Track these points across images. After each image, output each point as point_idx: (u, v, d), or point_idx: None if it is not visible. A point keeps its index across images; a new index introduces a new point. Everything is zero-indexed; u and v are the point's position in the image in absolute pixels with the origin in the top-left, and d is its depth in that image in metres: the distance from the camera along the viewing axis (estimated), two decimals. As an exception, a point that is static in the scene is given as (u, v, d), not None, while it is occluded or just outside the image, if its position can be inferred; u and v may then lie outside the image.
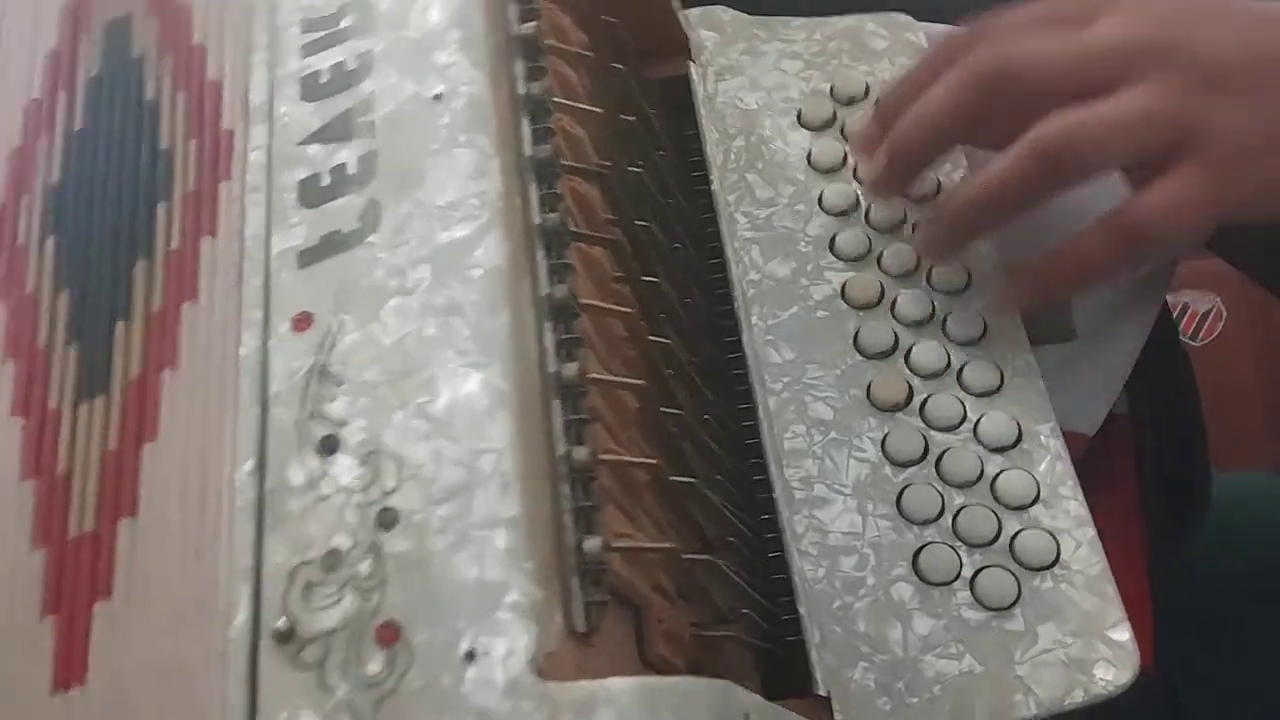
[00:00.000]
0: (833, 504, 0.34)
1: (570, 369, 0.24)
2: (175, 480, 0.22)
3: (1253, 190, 0.34)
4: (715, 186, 0.39)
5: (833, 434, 0.35)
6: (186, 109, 0.26)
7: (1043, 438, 0.35)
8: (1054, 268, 0.34)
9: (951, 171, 0.39)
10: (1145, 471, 0.41)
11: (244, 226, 0.24)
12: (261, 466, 0.21)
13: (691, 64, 0.42)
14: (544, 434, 0.22)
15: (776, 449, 0.35)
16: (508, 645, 0.19)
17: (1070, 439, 0.40)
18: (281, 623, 0.20)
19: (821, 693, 0.31)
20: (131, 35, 0.28)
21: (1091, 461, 0.40)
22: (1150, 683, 0.39)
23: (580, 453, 0.23)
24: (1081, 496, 0.34)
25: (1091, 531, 0.33)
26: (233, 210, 0.24)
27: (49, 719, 0.20)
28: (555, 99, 0.28)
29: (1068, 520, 0.34)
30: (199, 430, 0.22)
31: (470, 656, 0.19)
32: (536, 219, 0.25)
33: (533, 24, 0.28)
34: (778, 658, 0.32)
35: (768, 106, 0.42)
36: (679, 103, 0.42)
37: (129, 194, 0.26)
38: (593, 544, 0.22)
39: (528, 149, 0.26)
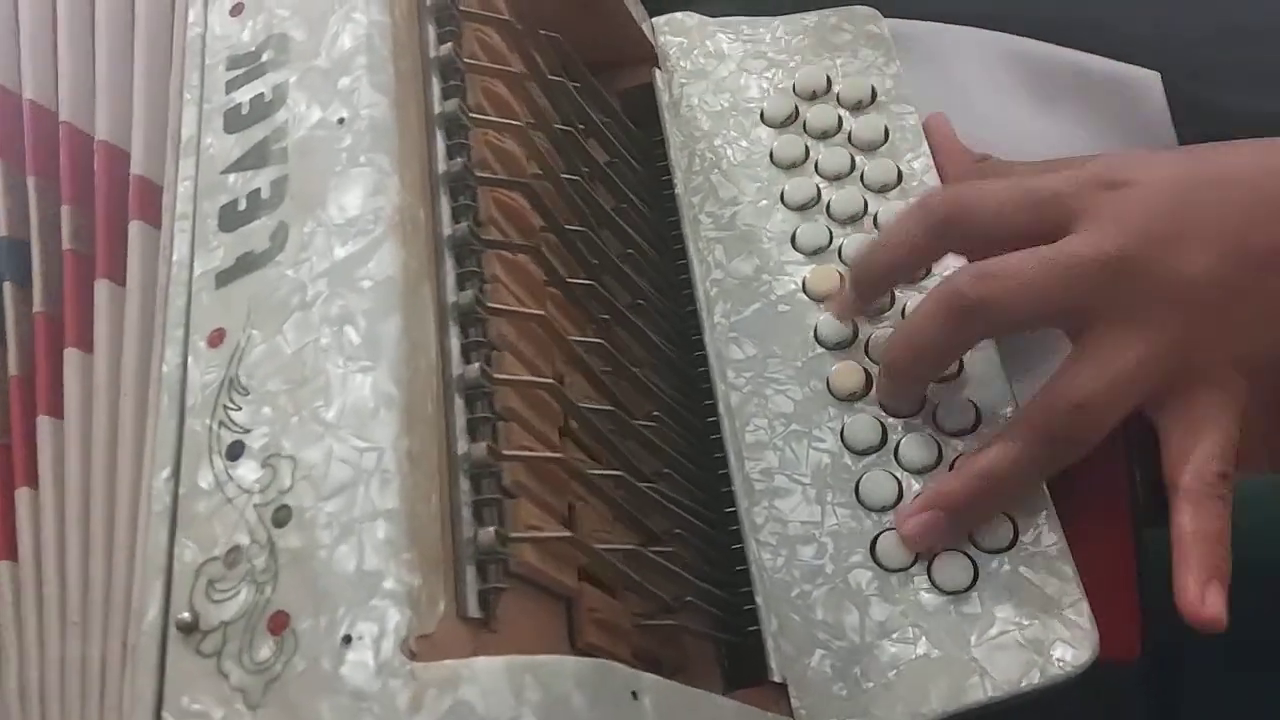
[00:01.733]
0: (792, 494, 0.35)
1: (472, 371, 0.25)
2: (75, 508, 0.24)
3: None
4: (679, 190, 0.40)
5: (793, 425, 0.36)
6: (47, 186, 0.28)
7: (1002, 419, 0.35)
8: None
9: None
10: (1133, 461, 0.41)
11: (172, 252, 0.26)
12: (176, 473, 0.23)
13: (656, 71, 0.43)
14: (439, 432, 0.24)
15: (737, 443, 0.36)
16: (380, 629, 0.20)
17: None
18: (185, 615, 0.21)
19: (777, 679, 0.32)
20: None
21: (1077, 474, 0.40)
22: (1142, 675, 0.39)
23: (478, 450, 0.24)
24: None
25: (1050, 511, 0.33)
26: (149, 245, 0.26)
27: None
28: (474, 115, 0.29)
29: (1026, 502, 0.34)
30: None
31: (347, 640, 0.20)
32: (447, 230, 0.27)
33: (449, 45, 0.29)
34: (741, 648, 0.33)
35: (732, 107, 0.42)
36: (648, 111, 0.43)
37: None
38: (486, 535, 0.23)
39: (441, 165, 0.28)
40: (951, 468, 0.34)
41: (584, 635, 0.27)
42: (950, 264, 0.36)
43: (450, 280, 0.26)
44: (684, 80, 0.43)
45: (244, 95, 0.27)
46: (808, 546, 0.34)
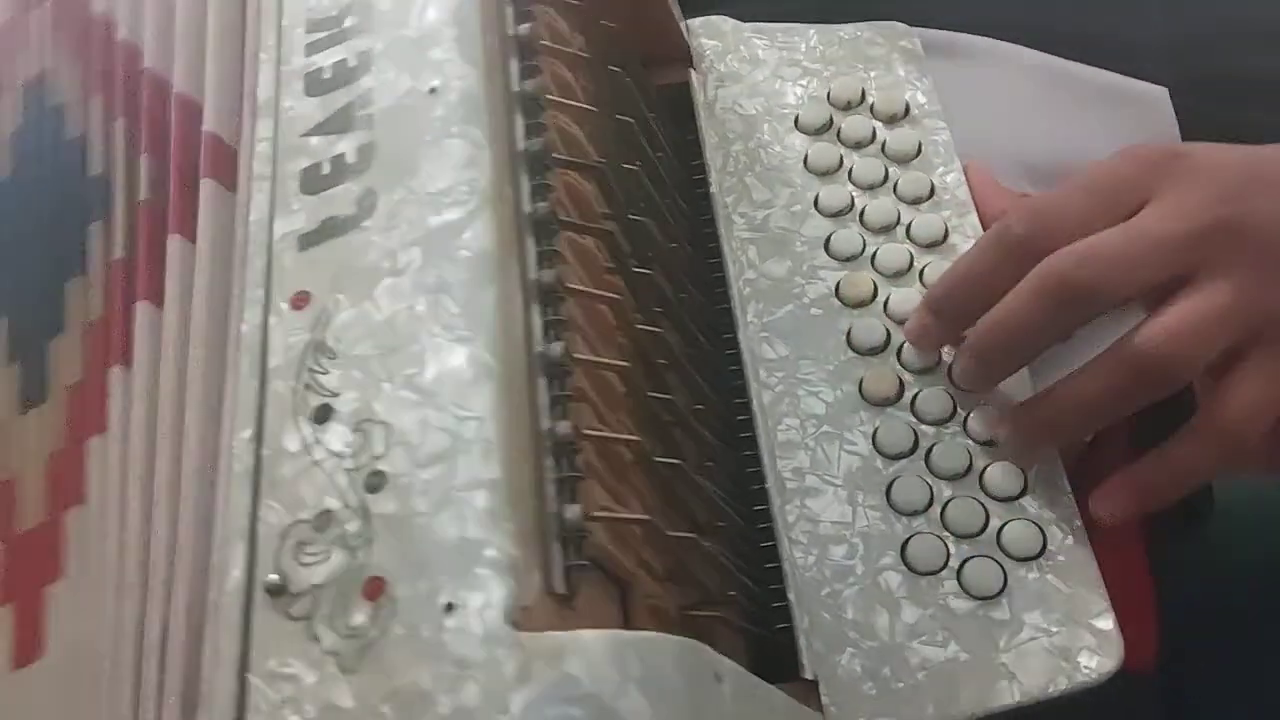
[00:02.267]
0: (823, 494, 0.35)
1: (555, 348, 0.25)
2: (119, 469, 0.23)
3: None
4: (714, 189, 0.41)
5: (825, 427, 0.36)
6: (131, 133, 0.28)
7: (1031, 431, 0.36)
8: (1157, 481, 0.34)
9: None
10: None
11: (249, 213, 0.25)
12: (259, 434, 0.23)
13: (692, 71, 0.43)
14: (528, 408, 0.23)
15: (770, 440, 0.36)
16: (485, 598, 0.20)
17: None
18: (274, 577, 0.21)
19: (808, 677, 0.32)
20: (45, 88, 0.30)
21: (1088, 466, 0.41)
22: (1153, 683, 0.40)
23: (563, 427, 0.24)
24: (1068, 488, 0.35)
25: (1078, 522, 0.34)
26: (222, 204, 0.26)
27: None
28: (549, 96, 0.29)
29: (1055, 511, 0.34)
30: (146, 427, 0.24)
31: (450, 608, 0.20)
32: (527, 208, 0.27)
33: (527, 25, 0.29)
34: (768, 644, 0.33)
35: (766, 112, 0.43)
36: (680, 110, 0.43)
37: (54, 222, 0.27)
38: (573, 512, 0.23)
39: (520, 143, 0.28)
40: (983, 476, 0.35)
41: (637, 620, 0.27)
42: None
43: (531, 258, 0.26)
44: (718, 83, 0.44)
45: (326, 60, 0.27)
46: (839, 546, 0.34)
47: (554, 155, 0.28)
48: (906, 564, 0.34)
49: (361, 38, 0.27)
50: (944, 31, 0.44)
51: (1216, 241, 0.32)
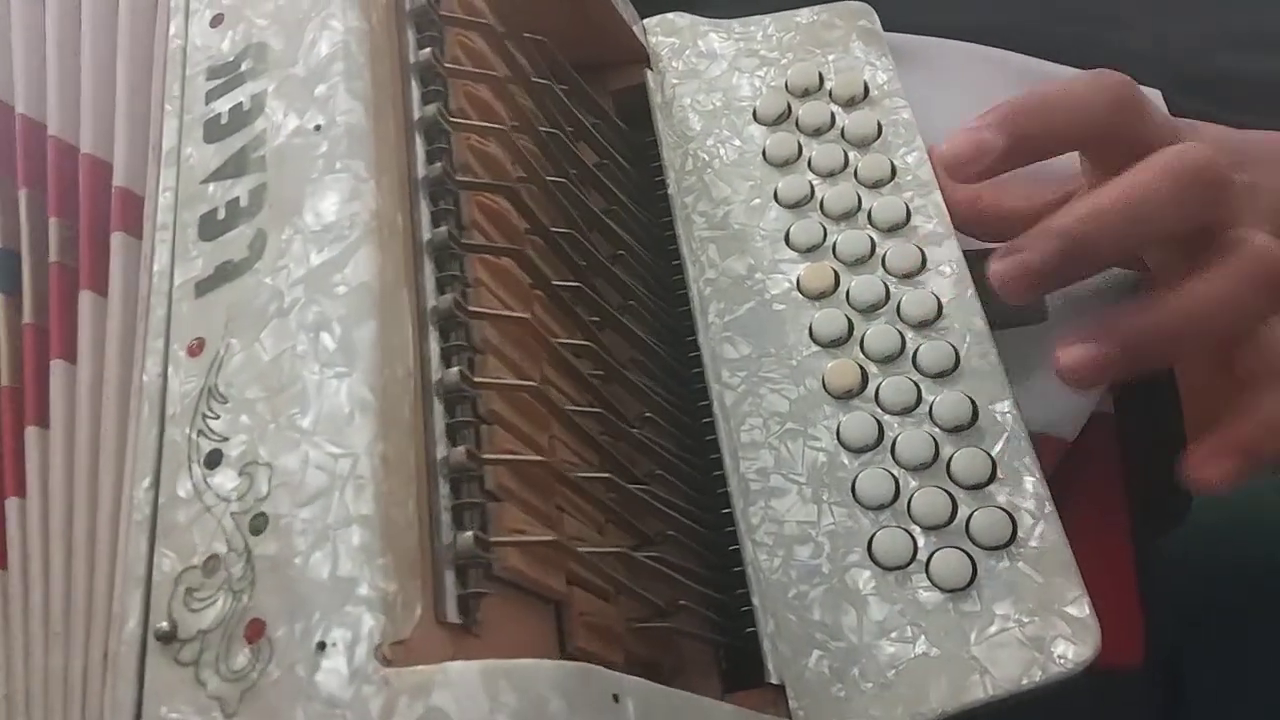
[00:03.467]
0: (788, 494, 0.35)
1: (451, 375, 0.25)
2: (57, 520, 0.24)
3: None
4: (671, 190, 0.40)
5: (789, 424, 0.36)
6: (36, 200, 0.28)
7: (998, 415, 0.34)
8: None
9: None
10: (1130, 471, 0.40)
11: (153, 263, 0.26)
12: (156, 482, 0.23)
13: (648, 72, 0.43)
14: (417, 437, 0.23)
15: (732, 443, 0.36)
16: (353, 635, 0.20)
17: (1051, 444, 0.39)
18: (164, 624, 0.21)
19: (774, 681, 0.32)
20: None
21: (1074, 463, 0.39)
22: (1144, 681, 0.38)
23: (457, 454, 0.24)
24: (1040, 473, 0.34)
25: (1049, 507, 0.33)
26: (131, 255, 0.26)
27: None
28: (453, 119, 0.29)
29: (1024, 497, 0.33)
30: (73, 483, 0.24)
31: (321, 647, 0.20)
32: (426, 234, 0.27)
33: (428, 50, 0.29)
34: (741, 651, 0.33)
35: (725, 106, 0.42)
36: (640, 112, 0.43)
37: None
38: (465, 539, 0.23)
39: (421, 169, 0.28)
40: (950, 465, 0.34)
41: (575, 639, 0.27)
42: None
43: (430, 285, 0.26)
44: (676, 80, 0.43)
45: (223, 105, 0.27)
46: (804, 546, 0.34)
47: (458, 179, 0.28)
48: (874, 560, 0.33)
49: (256, 80, 0.27)
50: (914, 36, 0.43)
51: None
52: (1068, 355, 0.31)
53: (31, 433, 0.25)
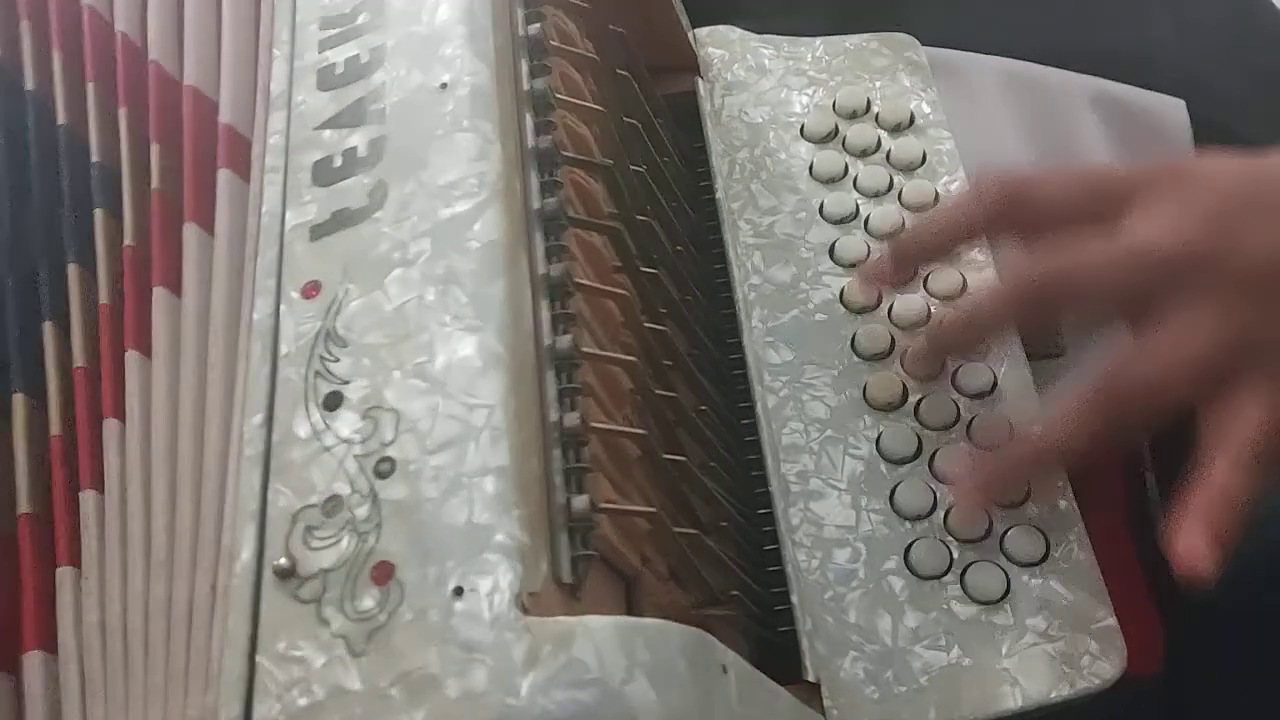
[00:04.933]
0: (827, 498, 0.35)
1: (564, 341, 0.25)
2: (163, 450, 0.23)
3: None
4: (719, 195, 0.41)
5: (829, 431, 0.36)
6: (137, 121, 0.28)
7: (1034, 436, 0.36)
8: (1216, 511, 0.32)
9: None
10: (1132, 484, 0.42)
11: (261, 203, 0.26)
12: (270, 420, 0.23)
13: (699, 80, 0.44)
14: (536, 399, 0.24)
15: (774, 444, 0.36)
16: (493, 582, 0.20)
17: None
18: (283, 561, 0.21)
19: (811, 679, 0.32)
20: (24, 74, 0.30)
21: (1081, 474, 0.41)
22: (1152, 681, 0.40)
23: (571, 419, 0.24)
24: (1071, 495, 0.35)
25: (1080, 528, 0.34)
26: (238, 195, 0.26)
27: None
28: (558, 95, 0.29)
29: (1057, 518, 0.34)
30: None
31: (458, 592, 0.20)
32: (536, 204, 0.27)
33: (537, 25, 0.29)
34: (771, 645, 0.33)
35: (772, 120, 0.43)
36: (687, 117, 0.43)
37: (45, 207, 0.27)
38: (581, 501, 0.23)
39: (530, 140, 0.28)
40: (986, 480, 0.35)
41: (642, 615, 0.27)
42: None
43: (539, 253, 0.26)
44: (725, 91, 0.44)
45: (338, 55, 0.27)
46: (842, 550, 0.34)
47: (563, 153, 0.28)
48: (910, 568, 0.34)
49: (374, 34, 0.27)
50: (954, 51, 0.44)
51: (1196, 265, 0.31)
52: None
53: (132, 357, 0.24)
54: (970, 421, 0.36)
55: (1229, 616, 0.41)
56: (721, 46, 0.45)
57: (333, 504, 0.21)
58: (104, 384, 0.24)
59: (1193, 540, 0.30)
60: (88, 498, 0.23)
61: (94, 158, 0.27)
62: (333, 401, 0.23)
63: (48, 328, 0.25)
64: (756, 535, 0.35)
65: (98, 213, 0.27)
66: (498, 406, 0.22)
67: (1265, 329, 0.31)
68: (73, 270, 0.26)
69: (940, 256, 0.36)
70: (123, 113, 0.28)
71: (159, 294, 0.25)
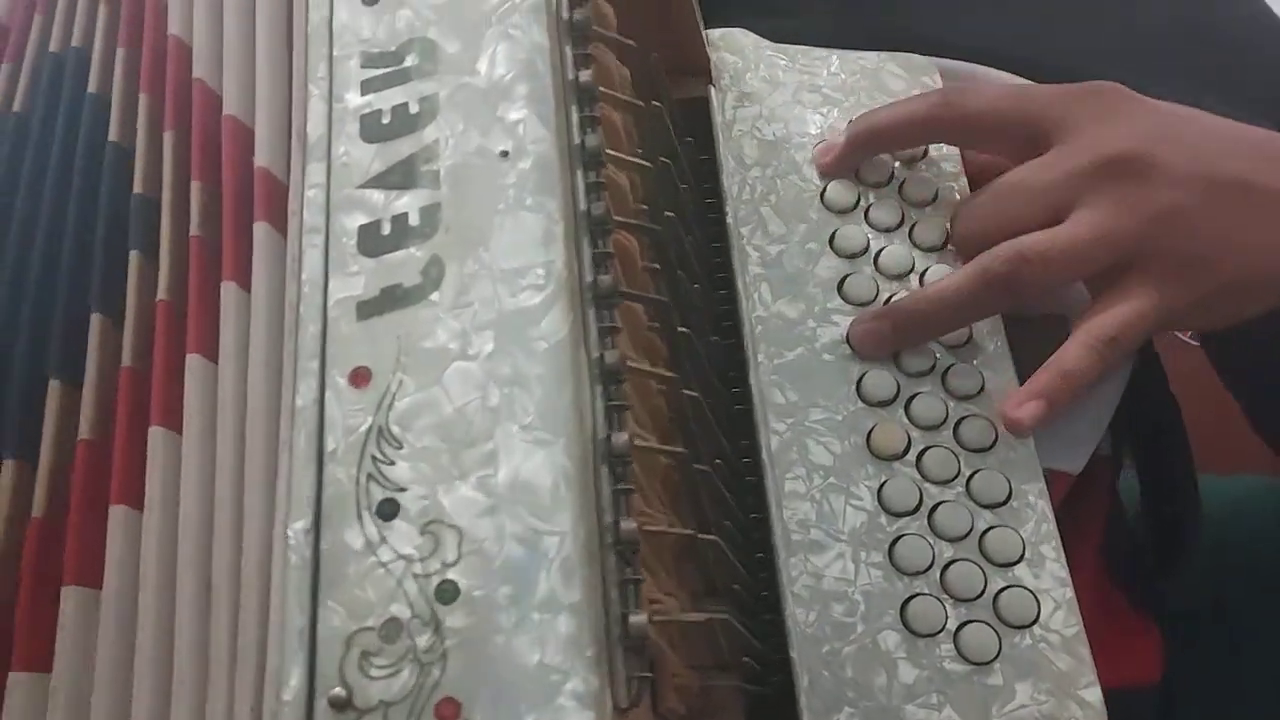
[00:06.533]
0: (828, 550, 0.35)
1: (620, 438, 0.24)
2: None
3: (1189, 302, 0.37)
4: (730, 220, 0.40)
5: (831, 479, 0.36)
6: (181, 151, 0.25)
7: (1031, 497, 0.36)
8: (1052, 385, 0.36)
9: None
10: (1114, 513, 0.43)
11: (301, 269, 0.24)
12: (317, 525, 0.21)
13: (712, 89, 0.42)
14: (594, 507, 0.23)
15: (777, 491, 0.36)
16: (567, 731, 0.19)
17: (1060, 479, 0.42)
18: (339, 690, 0.20)
19: (807, 737, 0.33)
20: (89, 71, 0.27)
21: (1068, 499, 0.42)
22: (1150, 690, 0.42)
23: (629, 526, 0.23)
24: (1063, 559, 0.35)
25: (1070, 594, 0.35)
26: (275, 252, 0.24)
27: None
28: (607, 150, 0.28)
29: (1049, 581, 0.35)
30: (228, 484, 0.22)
31: (530, 740, 0.19)
32: (589, 277, 0.26)
33: (589, 71, 0.28)
34: (763, 698, 0.33)
35: (785, 139, 0.42)
36: (697, 125, 0.42)
37: (79, 248, 0.25)
38: (638, 620, 0.22)
39: (581, 203, 0.26)
40: (983, 540, 0.36)
41: (666, 700, 0.27)
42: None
43: (594, 336, 0.25)
44: (737, 102, 0.43)
45: (384, 102, 0.25)
46: (840, 604, 0.35)
47: (614, 218, 0.27)
48: (906, 624, 0.34)
49: (425, 81, 0.25)
50: (968, 64, 0.44)
51: (1100, 178, 0.36)
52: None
53: (157, 433, 0.22)
54: (971, 477, 0.36)
55: (1225, 618, 0.44)
56: (735, 53, 0.43)
57: (391, 628, 0.20)
58: (116, 461, 0.22)
59: (1021, 400, 0.36)
60: (82, 595, 0.21)
61: (136, 187, 0.25)
62: (388, 510, 0.21)
63: (54, 387, 0.23)
64: (755, 584, 0.35)
65: (132, 256, 0.24)
66: (569, 534, 0.21)
67: (1150, 236, 0.36)
68: (95, 321, 0.23)
69: (886, 149, 0.40)
70: (168, 137, 0.25)
71: (193, 361, 0.23)
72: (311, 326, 0.23)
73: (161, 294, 0.24)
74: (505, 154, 0.24)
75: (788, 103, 0.43)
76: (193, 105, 0.26)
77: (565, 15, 0.28)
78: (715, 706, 0.32)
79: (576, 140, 0.27)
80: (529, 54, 0.25)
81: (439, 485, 0.21)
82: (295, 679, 0.20)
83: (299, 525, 0.22)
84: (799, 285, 0.39)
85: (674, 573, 0.30)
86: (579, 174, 0.27)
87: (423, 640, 0.20)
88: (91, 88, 0.28)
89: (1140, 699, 0.39)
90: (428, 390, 0.22)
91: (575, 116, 0.28)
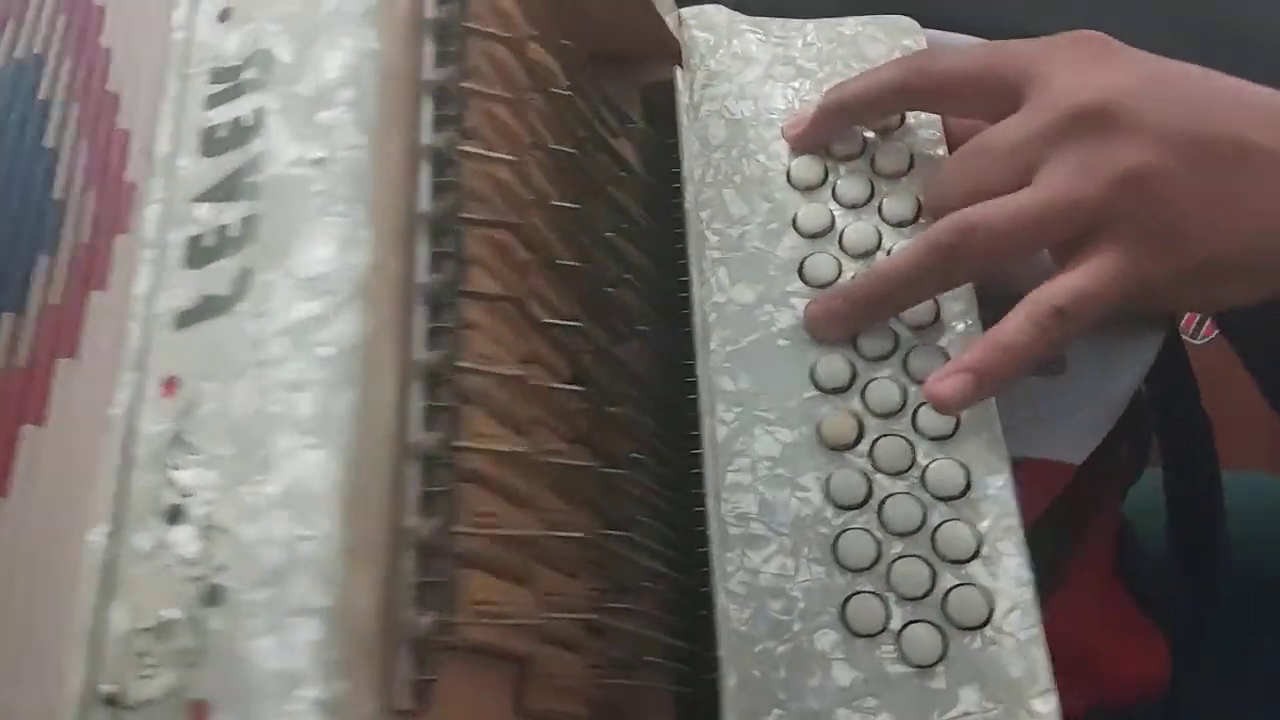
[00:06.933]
0: (768, 543, 0.34)
1: (430, 439, 0.24)
2: (24, 537, 0.23)
3: (1162, 277, 0.32)
4: (688, 204, 0.39)
5: (778, 470, 0.35)
6: (89, 159, 0.27)
7: (992, 490, 0.34)
8: (985, 359, 0.33)
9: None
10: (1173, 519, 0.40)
11: (135, 283, 0.25)
12: (116, 530, 0.22)
13: (678, 70, 0.41)
14: (388, 506, 0.23)
15: (717, 483, 0.35)
16: (301, 736, 0.20)
17: (1060, 470, 0.39)
18: (111, 688, 0.21)
19: (729, 738, 0.32)
20: (41, 77, 0.29)
21: (1078, 489, 0.39)
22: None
23: (430, 527, 0.23)
24: (1025, 556, 0.33)
25: (1029, 594, 0.32)
26: (125, 265, 0.25)
27: None
28: (462, 149, 0.28)
29: (1006, 580, 0.33)
30: (58, 492, 0.23)
31: (265, 743, 0.20)
32: (422, 278, 0.26)
33: (446, 69, 0.28)
34: (695, 697, 0.33)
35: (754, 117, 0.41)
36: (664, 110, 0.41)
37: (6, 244, 0.27)
38: (423, 625, 0.22)
39: (424, 204, 0.26)
40: (935, 535, 0.33)
41: (533, 699, 0.27)
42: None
43: (421, 335, 0.25)
44: (706, 81, 0.41)
45: (223, 115, 0.26)
46: (777, 600, 0.33)
47: (462, 216, 0.27)
48: (845, 623, 0.33)
49: (258, 93, 0.26)
50: (959, 35, 0.41)
51: (1063, 139, 0.33)
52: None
53: (28, 430, 0.24)
54: (926, 467, 0.34)
55: (1231, 615, 0.40)
56: (706, 30, 0.42)
57: (164, 630, 0.21)
58: None
59: (947, 374, 0.33)
60: None
61: (57, 192, 0.27)
62: (174, 515, 0.22)
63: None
64: (691, 580, 0.34)
65: (41, 258, 0.26)
66: (327, 539, 0.21)
67: (1116, 202, 0.32)
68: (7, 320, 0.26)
69: (851, 123, 0.38)
70: (83, 146, 0.27)
71: (63, 364, 0.25)
72: (135, 337, 0.24)
73: (54, 299, 0.26)
74: (318, 160, 0.25)
75: (759, 78, 0.41)
76: (103, 111, 0.27)
77: (429, 13, 0.28)
78: (642, 707, 0.32)
79: (425, 140, 0.27)
80: (357, 59, 0.26)
81: (220, 491, 0.22)
82: (77, 677, 0.21)
83: (100, 530, 0.23)
84: (758, 267, 0.38)
85: (580, 572, 0.30)
86: (425, 172, 0.27)
87: (186, 642, 0.21)
88: (41, 95, 0.30)
89: (1148, 712, 0.36)
90: (224, 398, 0.23)
91: (429, 114, 0.28)
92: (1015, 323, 0.32)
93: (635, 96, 0.41)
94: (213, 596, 0.21)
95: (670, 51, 0.41)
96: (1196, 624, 0.42)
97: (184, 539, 0.22)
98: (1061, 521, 0.38)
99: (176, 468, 0.23)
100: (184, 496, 0.22)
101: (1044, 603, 0.32)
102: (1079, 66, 0.34)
